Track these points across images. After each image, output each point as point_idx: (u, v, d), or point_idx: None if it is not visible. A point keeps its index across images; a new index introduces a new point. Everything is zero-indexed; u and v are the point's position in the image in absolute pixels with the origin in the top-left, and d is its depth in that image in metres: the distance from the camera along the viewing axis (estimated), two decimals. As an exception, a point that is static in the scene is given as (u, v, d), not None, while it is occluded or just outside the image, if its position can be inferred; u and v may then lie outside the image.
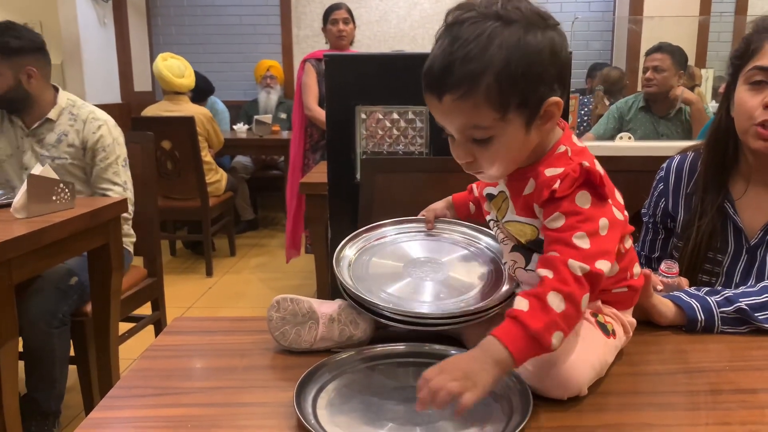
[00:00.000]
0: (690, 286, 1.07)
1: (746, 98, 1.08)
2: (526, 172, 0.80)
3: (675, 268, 1.05)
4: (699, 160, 1.23)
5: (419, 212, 1.07)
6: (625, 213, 0.84)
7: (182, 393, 0.80)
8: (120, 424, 0.75)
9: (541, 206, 0.77)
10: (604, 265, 0.72)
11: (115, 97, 4.98)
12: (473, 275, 0.94)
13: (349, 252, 0.99)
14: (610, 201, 0.78)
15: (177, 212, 3.84)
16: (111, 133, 2.15)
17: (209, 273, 3.80)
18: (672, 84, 2.92)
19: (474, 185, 1.03)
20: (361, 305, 0.88)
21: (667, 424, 0.72)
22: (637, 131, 3.01)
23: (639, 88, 3.55)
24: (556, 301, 0.69)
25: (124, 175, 2.19)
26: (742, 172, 1.18)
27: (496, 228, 0.89)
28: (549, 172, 0.76)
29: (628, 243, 0.86)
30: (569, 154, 0.78)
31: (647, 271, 0.91)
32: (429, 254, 0.99)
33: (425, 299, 0.89)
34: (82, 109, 2.16)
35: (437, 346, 0.87)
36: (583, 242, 0.72)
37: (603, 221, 0.75)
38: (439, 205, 1.05)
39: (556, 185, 0.74)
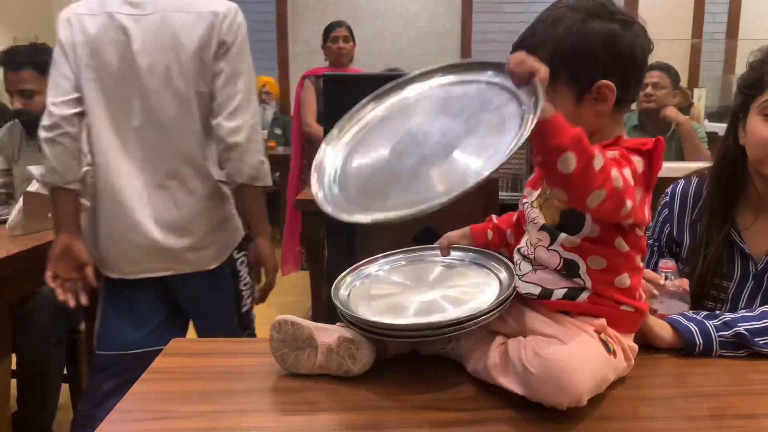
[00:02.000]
0: (694, 310, 1.07)
1: (760, 128, 1.11)
2: None
3: (670, 262, 1.07)
4: (704, 186, 1.24)
5: (416, 233, 1.07)
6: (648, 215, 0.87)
7: (182, 417, 0.80)
8: (119, 449, 0.74)
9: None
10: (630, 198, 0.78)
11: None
12: (470, 291, 0.94)
13: (350, 278, 1.00)
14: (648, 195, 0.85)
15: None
16: None
17: (203, 288, 3.77)
18: (668, 102, 2.94)
19: (494, 216, 1.05)
20: (356, 323, 0.89)
21: (669, 451, 0.72)
22: (630, 150, 3.03)
23: (632, 107, 3.56)
24: (599, 157, 0.73)
25: None
26: (750, 201, 1.19)
27: (530, 209, 0.91)
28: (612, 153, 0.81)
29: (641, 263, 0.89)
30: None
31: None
32: (421, 277, 1.00)
33: (411, 314, 0.89)
34: None
35: None
36: (625, 174, 0.77)
37: (638, 192, 0.81)
38: (454, 234, 1.06)
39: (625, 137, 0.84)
